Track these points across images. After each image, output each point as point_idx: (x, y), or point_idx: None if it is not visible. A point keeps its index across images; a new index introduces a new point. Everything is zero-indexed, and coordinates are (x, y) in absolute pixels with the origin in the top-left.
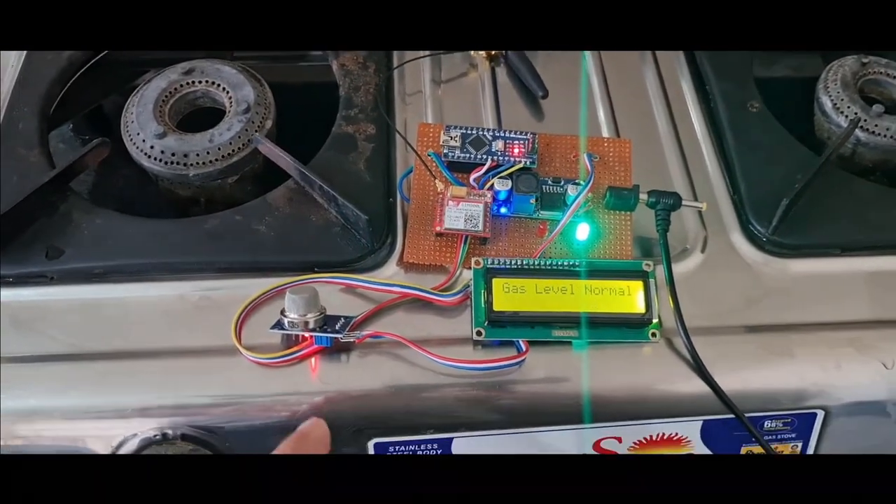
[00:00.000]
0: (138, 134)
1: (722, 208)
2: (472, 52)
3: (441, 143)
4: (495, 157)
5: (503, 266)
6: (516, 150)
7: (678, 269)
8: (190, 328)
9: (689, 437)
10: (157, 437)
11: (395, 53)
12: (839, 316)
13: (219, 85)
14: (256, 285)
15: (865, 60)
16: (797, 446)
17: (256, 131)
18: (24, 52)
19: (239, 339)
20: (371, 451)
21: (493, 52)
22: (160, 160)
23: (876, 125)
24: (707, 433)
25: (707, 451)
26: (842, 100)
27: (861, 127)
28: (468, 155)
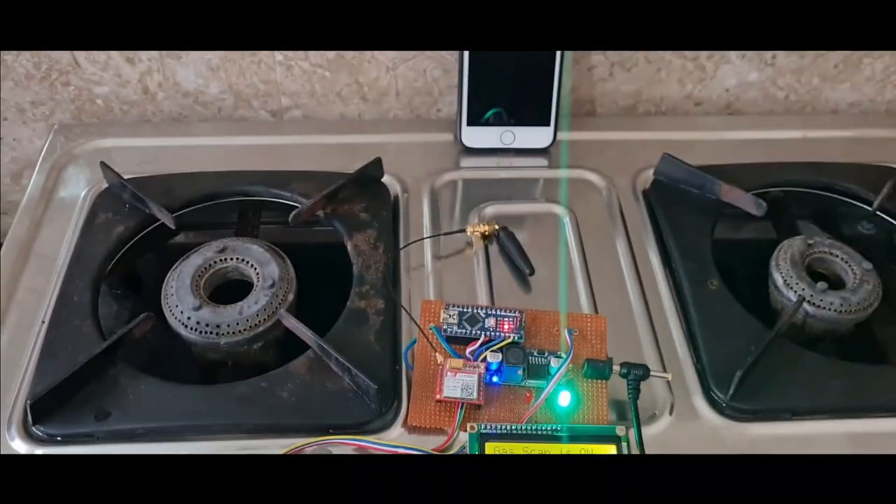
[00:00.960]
0: (177, 306)
1: (686, 376)
2: (468, 232)
3: (441, 320)
4: (488, 333)
5: (495, 431)
6: (506, 326)
7: (648, 431)
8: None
9: None
10: None
11: (402, 233)
12: None
13: (248, 262)
14: (279, 445)
15: (811, 241)
16: None
17: (280, 304)
18: (79, 232)
19: None
20: None
21: (486, 232)
22: (196, 330)
23: (821, 300)
24: None
25: None
26: (791, 276)
27: (808, 302)
28: (464, 331)
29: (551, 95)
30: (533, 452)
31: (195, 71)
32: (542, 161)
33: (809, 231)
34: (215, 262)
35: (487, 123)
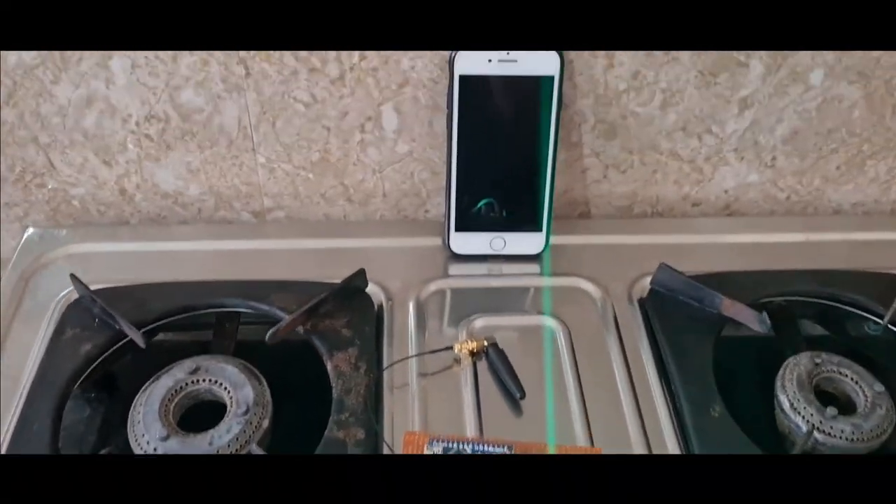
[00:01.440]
0: (143, 436)
1: None
2: (455, 350)
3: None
4: None
5: None
6: None
7: None
8: None
9: None
10: None
11: (386, 347)
12: None
13: (221, 384)
14: None
15: (818, 360)
16: None
17: (254, 433)
18: (46, 343)
19: None
20: None
21: (474, 349)
22: None
23: (831, 427)
24: None
25: None
26: (798, 400)
27: (818, 430)
28: None
29: (542, 199)
30: None
31: (174, 173)
32: (535, 268)
33: (815, 331)
34: (187, 385)
35: (478, 226)
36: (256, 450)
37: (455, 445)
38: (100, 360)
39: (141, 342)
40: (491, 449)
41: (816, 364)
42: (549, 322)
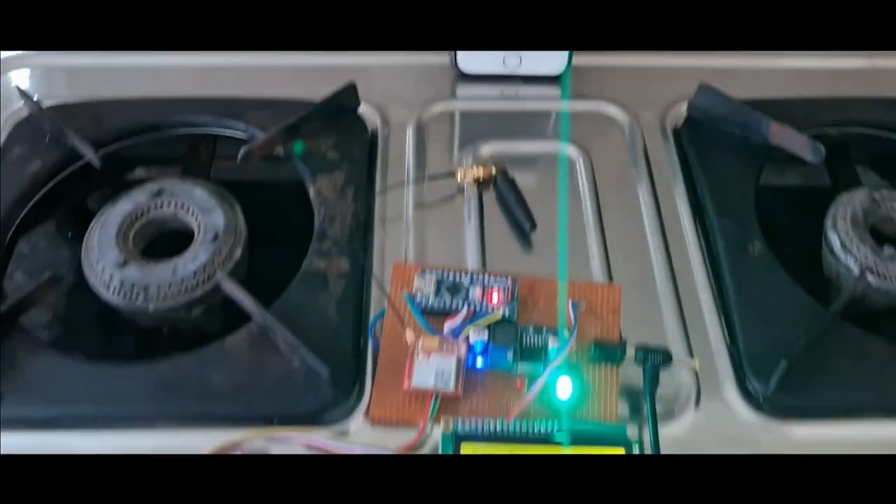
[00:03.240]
0: (98, 261)
1: (718, 362)
2: (458, 177)
3: (414, 288)
4: (472, 305)
5: (475, 431)
6: (495, 298)
7: (667, 431)
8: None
9: None
10: None
11: (379, 176)
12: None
13: (188, 208)
14: (209, 438)
15: (877, 195)
16: None
17: (223, 262)
18: None
19: None
20: None
21: (480, 178)
22: (119, 292)
23: (887, 269)
24: None
25: None
26: (851, 240)
27: (871, 271)
28: (443, 302)
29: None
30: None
31: None
32: (554, 91)
33: (871, 181)
34: (148, 209)
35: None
36: (224, 278)
37: (449, 276)
38: (51, 183)
39: (96, 161)
40: (492, 281)
41: (874, 201)
42: (569, 151)
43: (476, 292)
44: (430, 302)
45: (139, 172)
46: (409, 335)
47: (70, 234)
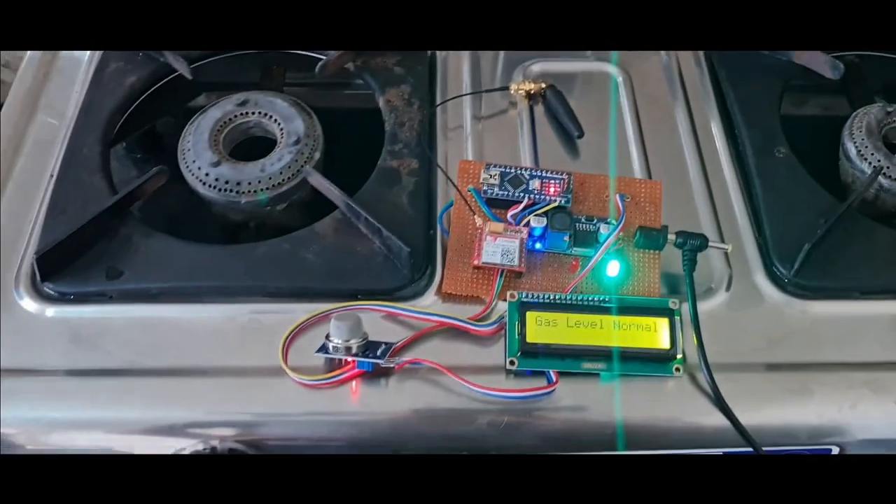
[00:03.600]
0: (194, 161)
1: (747, 250)
2: (511, 91)
3: (480, 181)
4: (532, 196)
5: (536, 300)
6: (552, 189)
7: (703, 306)
8: (239, 349)
9: None
10: (206, 450)
11: (439, 90)
12: (856, 357)
13: (271, 116)
14: (303, 310)
15: (890, 109)
16: None
17: (306, 163)
18: (89, 82)
19: (285, 360)
20: None
21: (531, 91)
22: (214, 187)
23: None
24: None
25: None
26: (866, 146)
27: (884, 174)
28: (506, 193)
29: None
30: (577, 323)
31: None
32: None
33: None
34: (235, 117)
35: None
36: (311, 172)
37: (513, 171)
38: (146, 94)
39: (187, 72)
40: (549, 175)
41: (888, 113)
42: (610, 69)
43: (535, 184)
44: (494, 192)
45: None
46: (478, 220)
47: (164, 139)
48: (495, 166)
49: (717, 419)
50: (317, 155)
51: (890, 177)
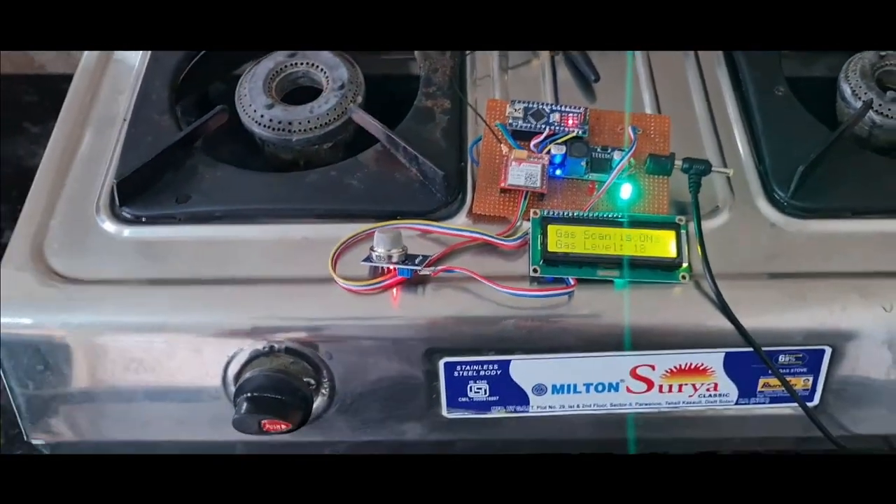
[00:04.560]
0: (251, 105)
1: (748, 177)
2: None
3: (506, 114)
4: (552, 127)
5: (557, 216)
6: (570, 122)
7: (707, 224)
8: (293, 262)
9: (713, 367)
10: (266, 349)
11: None
12: (847, 268)
13: (317, 66)
14: (348, 229)
15: (883, 54)
16: (808, 380)
17: (349, 105)
18: None
19: (335, 270)
20: (441, 369)
21: None
22: (268, 127)
23: (889, 109)
24: (728, 364)
25: (728, 381)
26: (860, 87)
27: (875, 110)
28: (529, 125)
29: None
30: (593, 236)
31: None
32: None
33: None
34: (286, 67)
35: None
36: (355, 110)
37: (535, 105)
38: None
39: None
40: (568, 109)
41: (881, 57)
42: None
43: (555, 117)
44: (518, 125)
45: None
46: (504, 149)
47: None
48: (520, 102)
49: (720, 322)
50: (359, 99)
51: (881, 113)
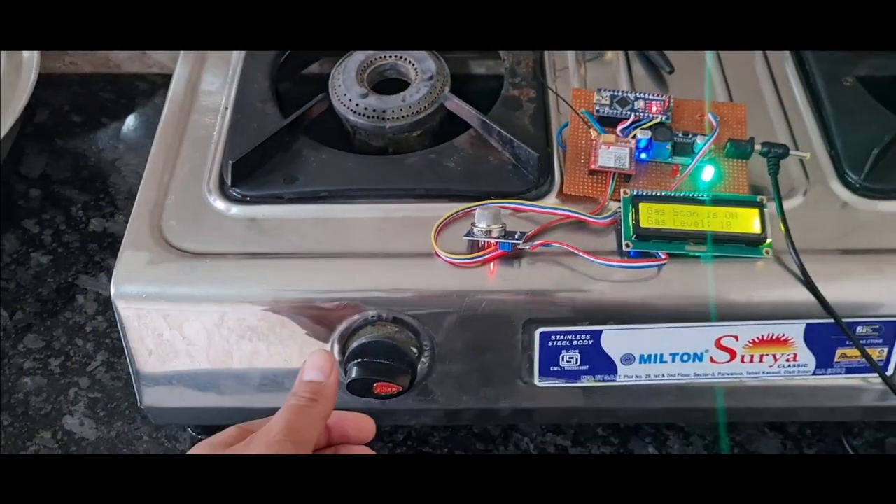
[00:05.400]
0: (346, 94)
1: (821, 161)
2: None
3: (594, 101)
4: (637, 114)
5: (648, 194)
6: (654, 108)
7: (785, 205)
8: (397, 237)
9: (794, 338)
10: (374, 317)
11: None
12: None
13: (406, 59)
14: (446, 208)
15: None
16: (884, 351)
17: (438, 94)
18: None
19: (437, 244)
20: (537, 339)
21: None
22: (363, 115)
23: None
24: (809, 335)
25: (808, 352)
26: None
27: None
28: (615, 111)
29: None
30: (681, 213)
31: None
32: None
33: None
34: (376, 59)
35: None
36: (448, 96)
37: (620, 93)
38: None
39: None
40: (651, 97)
41: None
42: None
43: (640, 104)
44: (605, 111)
45: None
46: (593, 133)
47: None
48: (606, 90)
49: (801, 294)
50: (447, 90)
51: None
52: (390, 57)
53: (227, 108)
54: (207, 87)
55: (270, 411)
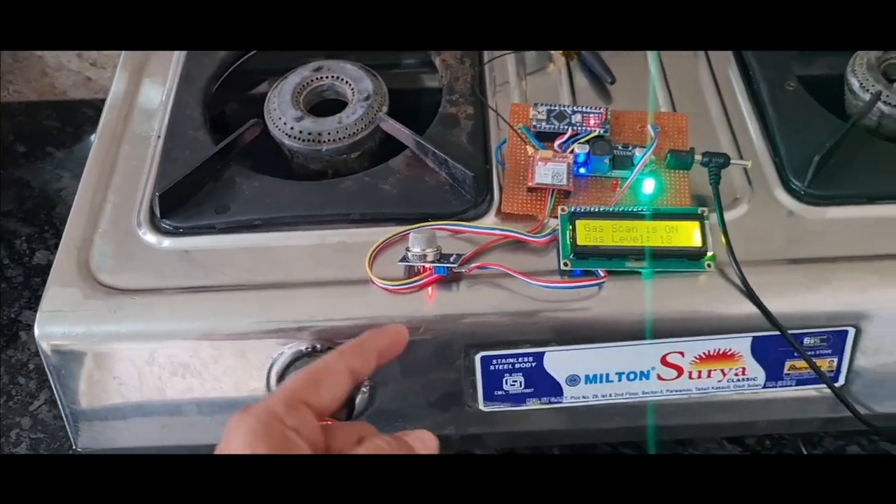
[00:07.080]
0: (280, 118)
1: (765, 169)
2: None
3: (530, 116)
4: (575, 128)
5: (585, 211)
6: (592, 122)
7: (728, 215)
8: (331, 265)
9: (741, 352)
10: (308, 349)
11: (486, 55)
12: (866, 251)
13: (342, 79)
14: (383, 232)
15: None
16: (833, 361)
17: (376, 115)
18: (185, 53)
19: (371, 271)
20: (478, 364)
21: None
22: (299, 139)
23: None
24: (756, 348)
25: (756, 365)
26: (867, 79)
27: (883, 101)
28: (552, 126)
29: None
30: (620, 229)
31: None
32: None
33: None
34: (312, 81)
35: None
36: (384, 118)
37: (557, 107)
38: (234, 65)
39: None
40: (589, 110)
41: (885, 51)
42: None
43: (577, 118)
44: (542, 126)
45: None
46: (530, 150)
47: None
48: (542, 104)
49: (746, 307)
50: (384, 109)
51: (889, 103)
52: (327, 77)
53: (159, 136)
54: (140, 115)
55: (210, 447)
